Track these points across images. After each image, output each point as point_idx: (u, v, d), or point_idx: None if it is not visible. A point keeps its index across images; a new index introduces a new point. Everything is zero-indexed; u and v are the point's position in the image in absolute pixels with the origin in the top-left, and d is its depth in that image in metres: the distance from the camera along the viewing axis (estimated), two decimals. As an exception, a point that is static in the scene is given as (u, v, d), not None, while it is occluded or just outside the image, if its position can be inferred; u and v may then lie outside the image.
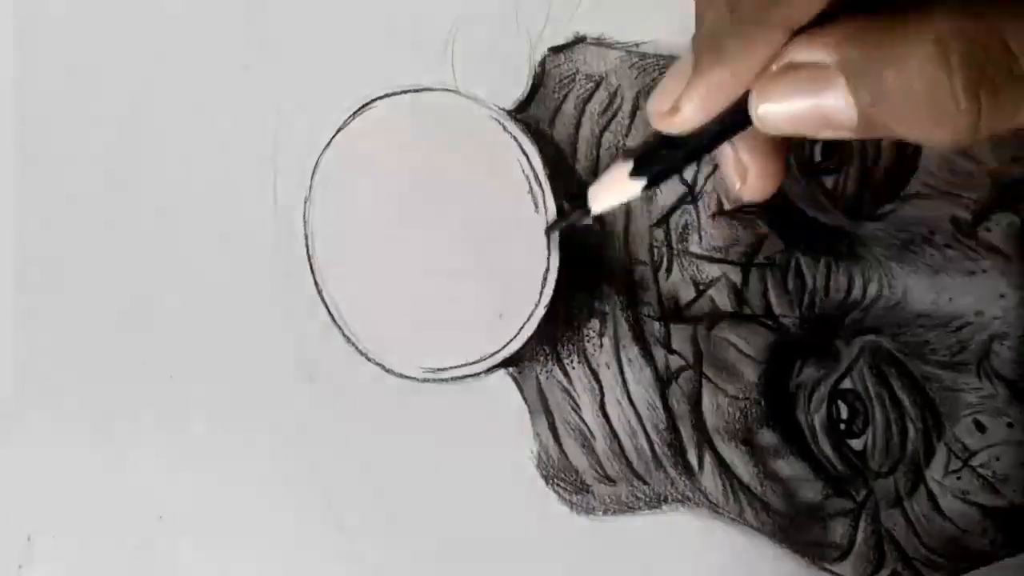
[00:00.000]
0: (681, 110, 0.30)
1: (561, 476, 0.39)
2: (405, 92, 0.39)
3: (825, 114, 0.28)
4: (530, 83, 0.40)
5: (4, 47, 0.39)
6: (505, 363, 0.39)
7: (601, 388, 0.39)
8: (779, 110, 0.29)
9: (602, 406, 0.39)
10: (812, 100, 0.28)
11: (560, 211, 0.37)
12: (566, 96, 0.41)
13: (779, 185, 0.33)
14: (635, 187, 0.31)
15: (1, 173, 0.38)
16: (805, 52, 0.28)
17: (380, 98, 0.39)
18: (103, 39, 0.39)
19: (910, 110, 0.27)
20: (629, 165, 0.31)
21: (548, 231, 0.38)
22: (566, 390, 0.39)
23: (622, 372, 0.39)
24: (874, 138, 0.29)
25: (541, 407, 0.39)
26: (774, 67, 0.29)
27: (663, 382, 0.39)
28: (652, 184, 0.31)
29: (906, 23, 0.26)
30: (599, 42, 0.40)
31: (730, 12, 0.29)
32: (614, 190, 0.32)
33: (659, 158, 0.31)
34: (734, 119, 0.30)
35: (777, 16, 0.28)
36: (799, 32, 0.28)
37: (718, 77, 0.29)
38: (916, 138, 0.28)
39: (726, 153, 0.33)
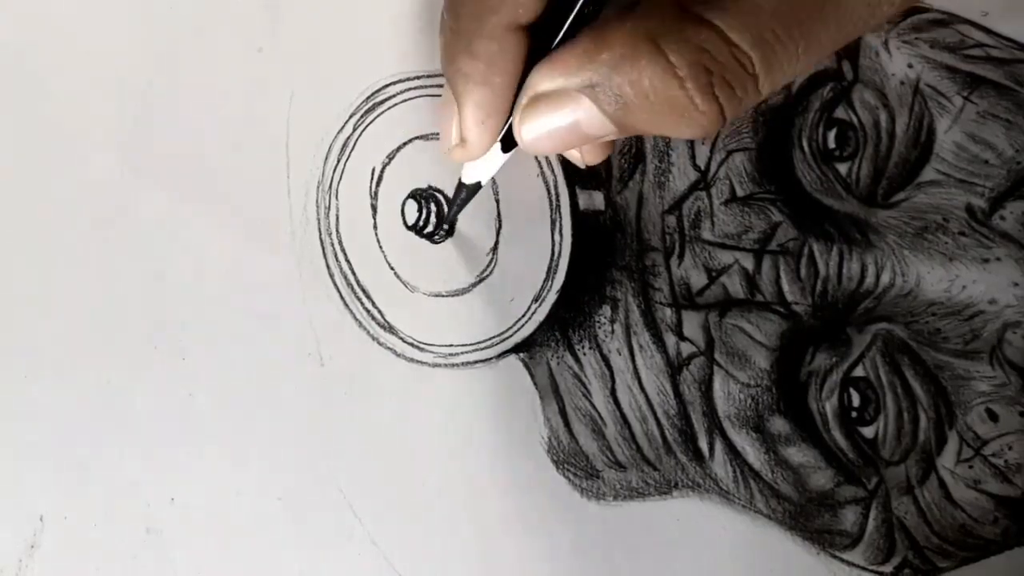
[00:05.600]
0: (467, 141, 0.31)
1: (571, 461, 0.39)
2: (417, 76, 0.39)
3: (583, 129, 0.29)
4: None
5: (15, 29, 0.39)
6: (516, 348, 0.39)
7: (612, 374, 0.39)
8: (541, 136, 0.30)
9: (613, 392, 0.39)
10: (566, 121, 0.29)
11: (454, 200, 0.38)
12: (579, 82, 0.40)
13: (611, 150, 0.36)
14: (497, 154, 0.33)
15: (5, 166, 0.38)
16: (547, 81, 0.29)
17: (393, 83, 0.39)
18: (117, 20, 0.39)
19: (655, 117, 0.28)
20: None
21: (449, 219, 0.38)
22: (577, 376, 0.39)
23: (633, 358, 0.39)
24: (638, 135, 0.31)
25: (552, 392, 0.39)
26: (524, 100, 0.30)
27: (674, 368, 0.39)
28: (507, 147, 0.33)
29: (634, 41, 0.27)
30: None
31: (452, 30, 0.30)
32: (480, 163, 0.34)
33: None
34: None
35: (490, 22, 0.29)
36: (537, 61, 0.29)
37: (477, 99, 0.30)
38: (669, 135, 0.29)
39: None
